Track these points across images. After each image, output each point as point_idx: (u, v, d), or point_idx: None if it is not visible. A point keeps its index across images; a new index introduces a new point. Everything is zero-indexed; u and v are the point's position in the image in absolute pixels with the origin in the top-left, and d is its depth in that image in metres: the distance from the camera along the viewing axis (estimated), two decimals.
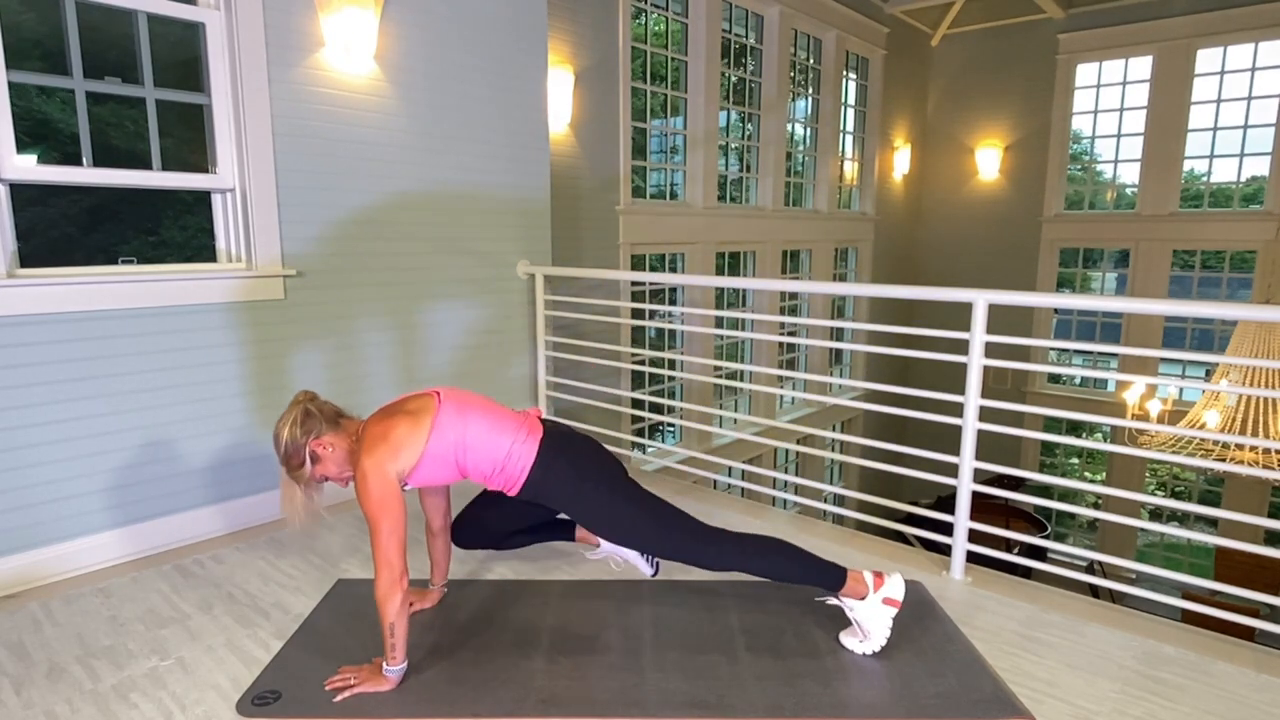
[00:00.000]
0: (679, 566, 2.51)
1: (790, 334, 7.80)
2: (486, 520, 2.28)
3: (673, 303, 6.55)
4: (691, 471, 3.62)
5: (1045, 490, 7.06)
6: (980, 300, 2.34)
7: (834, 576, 1.93)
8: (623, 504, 1.94)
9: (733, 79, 6.67)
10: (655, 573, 2.38)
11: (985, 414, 2.42)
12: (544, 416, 2.06)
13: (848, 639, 1.96)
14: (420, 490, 2.02)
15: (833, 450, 8.15)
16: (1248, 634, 2.44)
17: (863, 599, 1.92)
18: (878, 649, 1.91)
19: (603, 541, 2.38)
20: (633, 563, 2.39)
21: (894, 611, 1.91)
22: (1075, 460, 9.48)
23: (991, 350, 2.37)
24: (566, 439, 1.98)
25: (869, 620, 1.91)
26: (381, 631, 1.72)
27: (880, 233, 8.87)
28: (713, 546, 1.95)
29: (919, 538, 2.89)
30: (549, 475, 1.90)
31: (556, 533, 2.43)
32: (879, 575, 1.94)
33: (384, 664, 1.74)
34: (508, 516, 2.27)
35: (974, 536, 2.48)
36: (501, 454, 1.88)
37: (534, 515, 2.28)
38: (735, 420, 6.36)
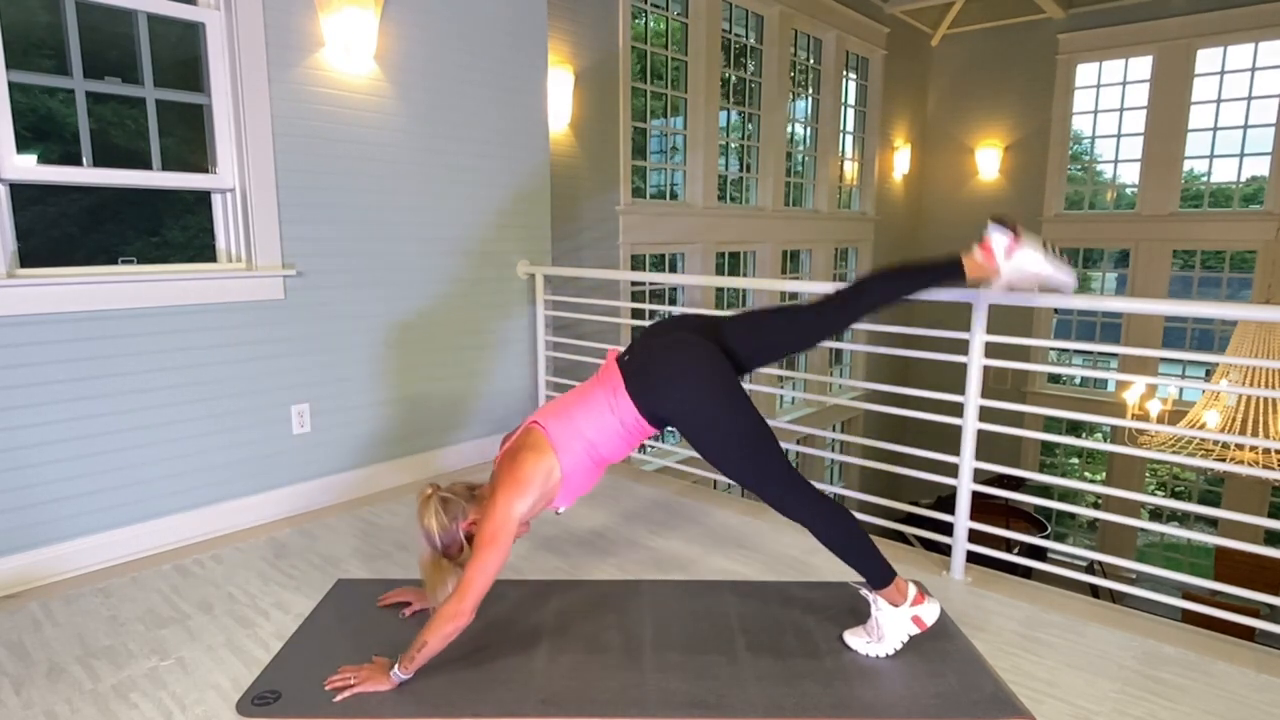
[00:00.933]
0: (681, 565, 2.51)
1: None
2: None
3: (673, 303, 6.54)
4: (691, 471, 3.61)
5: (1045, 490, 7.06)
6: (980, 300, 2.34)
7: (883, 573, 1.88)
8: (729, 418, 1.83)
9: (733, 79, 6.67)
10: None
11: (985, 414, 2.42)
12: (620, 355, 1.93)
13: (853, 638, 1.95)
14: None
15: (833, 450, 8.15)
16: (1248, 634, 2.44)
17: (896, 606, 1.89)
18: (883, 655, 1.90)
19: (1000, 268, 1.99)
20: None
21: (916, 631, 1.89)
22: (1075, 460, 9.47)
23: (991, 350, 2.37)
24: (643, 370, 1.85)
25: (889, 627, 1.89)
26: (413, 641, 1.71)
27: (880, 233, 8.87)
28: (793, 493, 1.86)
29: (919, 538, 2.89)
30: (658, 410, 1.83)
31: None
32: (922, 593, 1.91)
33: (396, 667, 1.73)
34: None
35: (974, 536, 2.48)
36: (614, 425, 1.83)
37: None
38: None
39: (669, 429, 1.92)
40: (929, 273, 2.00)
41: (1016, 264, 1.93)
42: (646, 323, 2.05)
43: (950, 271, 1.95)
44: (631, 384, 1.83)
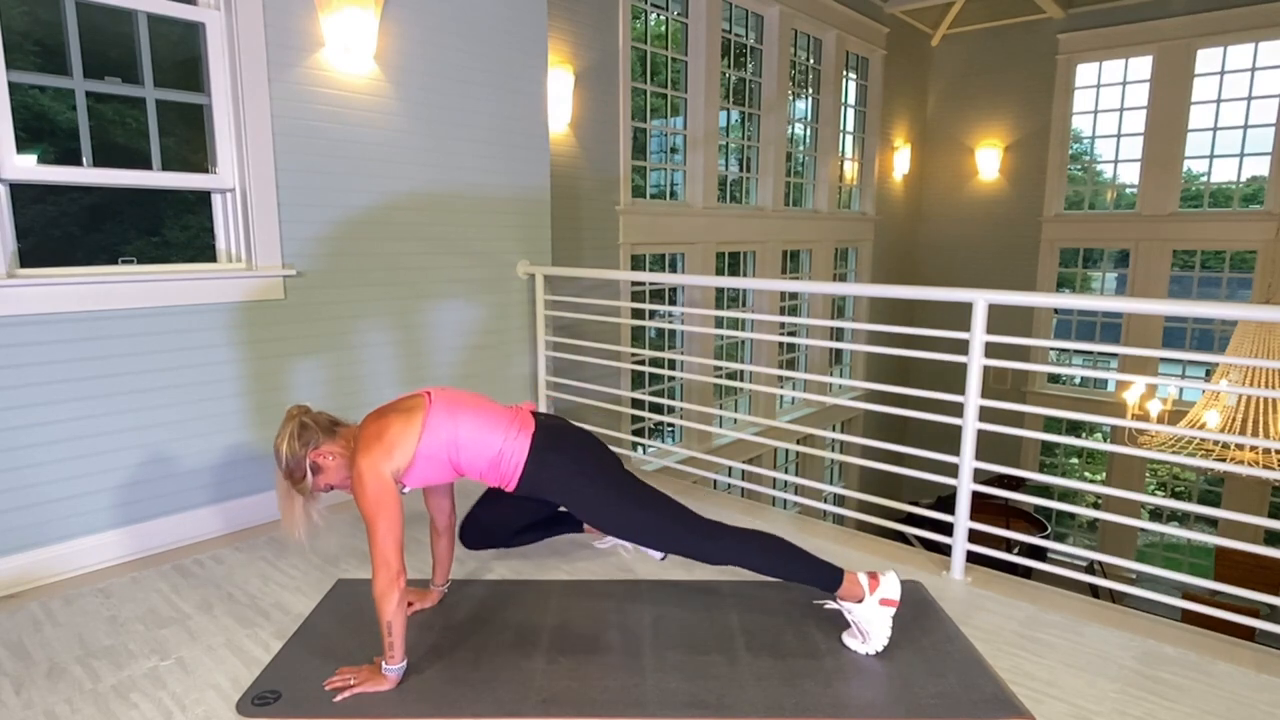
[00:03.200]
0: (680, 565, 2.51)
1: (790, 334, 7.80)
2: (490, 519, 2.28)
3: (673, 303, 6.55)
4: (691, 471, 3.62)
5: (1045, 490, 7.06)
6: (980, 300, 2.34)
7: (831, 577, 1.93)
8: (618, 498, 1.95)
9: (733, 79, 6.67)
10: (664, 557, 2.37)
11: (985, 414, 2.42)
12: (536, 410, 2.06)
13: (849, 640, 1.96)
14: (424, 490, 2.02)
15: (833, 450, 8.15)
16: (1248, 634, 2.44)
17: (860, 601, 1.92)
18: (879, 649, 1.91)
19: None
20: (643, 550, 2.38)
21: (892, 611, 1.92)
22: (1075, 460, 9.48)
23: (991, 350, 2.37)
24: (559, 432, 1.98)
25: (868, 621, 1.91)
26: (380, 630, 1.72)
27: (880, 233, 8.87)
28: (711, 541, 1.95)
29: (919, 538, 2.89)
30: (543, 470, 1.91)
31: (564, 526, 2.42)
32: (874, 576, 1.93)
33: (383, 663, 1.74)
34: (511, 514, 2.27)
35: (974, 536, 2.48)
36: (494, 450, 1.89)
37: (538, 511, 2.28)
38: (735, 420, 6.36)
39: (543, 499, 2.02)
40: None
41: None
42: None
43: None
44: (540, 434, 1.92)
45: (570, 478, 1.93)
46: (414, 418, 1.83)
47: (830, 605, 1.96)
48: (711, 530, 1.96)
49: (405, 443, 1.80)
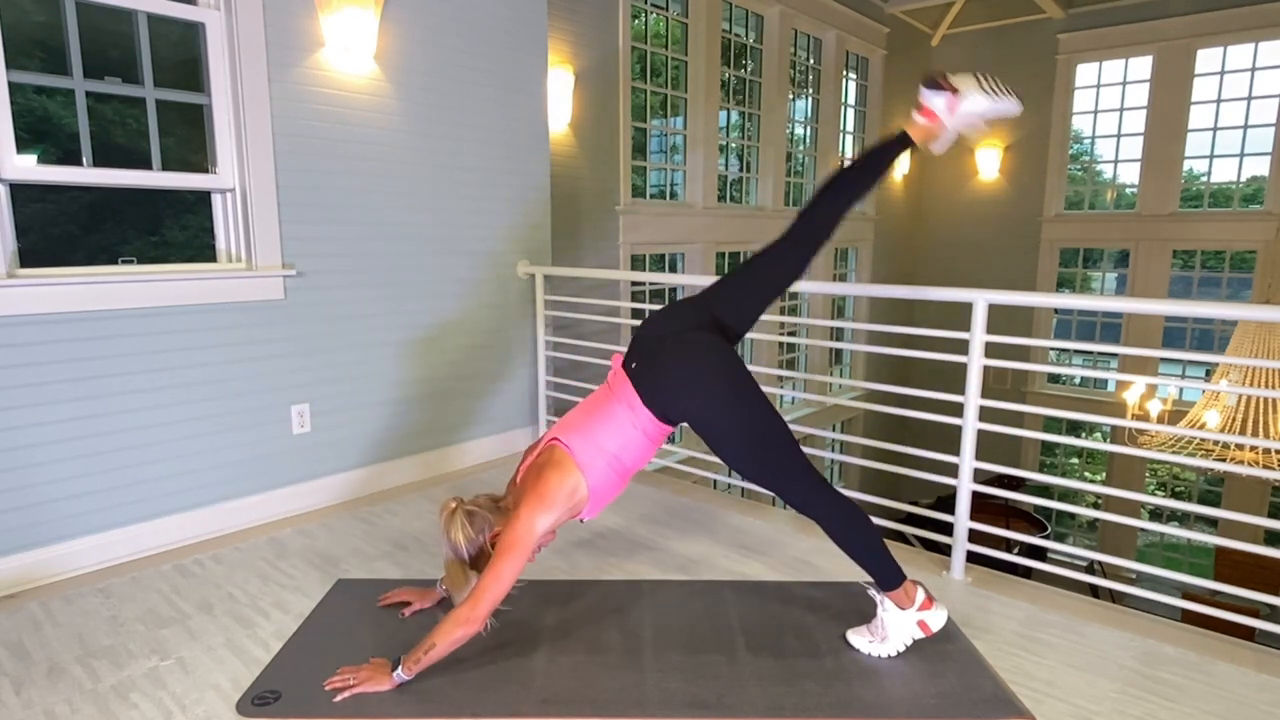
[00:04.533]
0: (681, 565, 2.51)
1: (790, 334, 7.80)
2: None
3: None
4: (691, 471, 3.61)
5: (1045, 490, 7.06)
6: (980, 300, 2.34)
7: (893, 576, 1.87)
8: (745, 420, 1.82)
9: (733, 79, 6.67)
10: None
11: (985, 414, 2.42)
12: (625, 361, 1.92)
13: (856, 637, 1.95)
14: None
15: (833, 450, 8.15)
16: (1248, 634, 2.44)
17: (903, 609, 1.88)
18: (885, 655, 1.89)
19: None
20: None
21: (921, 635, 1.89)
22: (1075, 460, 9.48)
23: (991, 350, 2.37)
24: (653, 381, 1.84)
25: (894, 628, 1.89)
26: (420, 643, 1.71)
27: (880, 233, 8.87)
28: (813, 491, 1.85)
29: (919, 538, 2.89)
30: (672, 415, 1.84)
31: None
32: (930, 599, 1.90)
33: (400, 669, 1.72)
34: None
35: (974, 536, 2.48)
36: (639, 434, 1.83)
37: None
38: None
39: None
40: (880, 155, 1.96)
41: (961, 113, 1.90)
42: (649, 314, 2.04)
43: (899, 145, 1.93)
44: (645, 394, 1.84)
45: (695, 413, 1.83)
46: (567, 467, 1.79)
47: (872, 592, 1.93)
48: (815, 479, 1.86)
49: (566, 492, 1.77)
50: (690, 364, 1.82)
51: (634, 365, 1.89)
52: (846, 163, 2.03)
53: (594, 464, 1.80)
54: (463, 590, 1.77)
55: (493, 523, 1.82)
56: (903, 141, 1.93)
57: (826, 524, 1.88)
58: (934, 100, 1.89)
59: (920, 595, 1.90)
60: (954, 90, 1.89)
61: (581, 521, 1.88)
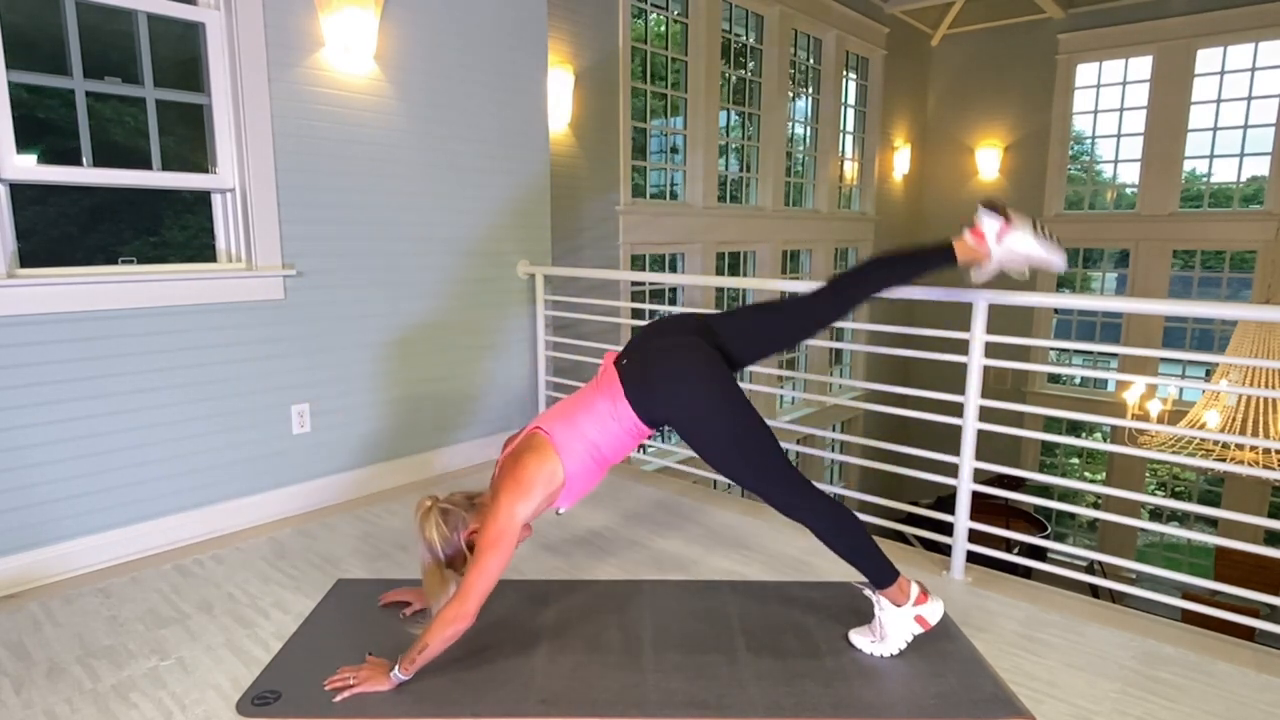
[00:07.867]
0: (680, 565, 2.51)
1: None
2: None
3: (672, 303, 6.54)
4: (691, 471, 3.61)
5: (1045, 490, 7.06)
6: (980, 300, 2.34)
7: (886, 574, 1.88)
8: (729, 422, 1.83)
9: (733, 79, 6.67)
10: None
11: (985, 414, 2.42)
12: (619, 358, 1.92)
13: (858, 637, 1.95)
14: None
15: (833, 450, 8.15)
16: (1248, 634, 2.44)
17: (899, 606, 1.89)
18: (886, 654, 1.89)
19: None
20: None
21: (920, 630, 1.89)
22: (1075, 460, 9.47)
23: (991, 350, 2.37)
24: (641, 377, 1.85)
25: (893, 626, 1.89)
26: (414, 643, 1.71)
27: (880, 233, 8.87)
28: (796, 494, 1.86)
29: (919, 538, 2.89)
30: (656, 416, 1.85)
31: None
32: (925, 593, 1.91)
33: (396, 669, 1.72)
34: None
35: (974, 536, 2.48)
36: (618, 428, 1.83)
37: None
38: None
39: (667, 429, 1.93)
40: (920, 259, 2.01)
41: (1008, 246, 1.93)
42: (646, 323, 2.05)
43: (941, 257, 1.96)
44: (631, 391, 1.84)
45: (678, 413, 1.84)
46: (545, 451, 1.79)
47: (868, 592, 1.94)
48: (798, 482, 1.86)
49: (544, 478, 1.77)
50: (677, 364, 1.84)
51: (625, 362, 1.90)
52: (888, 251, 2.06)
53: (572, 449, 1.80)
54: (441, 598, 1.76)
55: (468, 520, 1.81)
56: (946, 256, 1.94)
57: (812, 526, 1.90)
58: (988, 223, 1.93)
59: (914, 590, 1.90)
60: (1009, 220, 1.92)
61: (558, 513, 1.87)
